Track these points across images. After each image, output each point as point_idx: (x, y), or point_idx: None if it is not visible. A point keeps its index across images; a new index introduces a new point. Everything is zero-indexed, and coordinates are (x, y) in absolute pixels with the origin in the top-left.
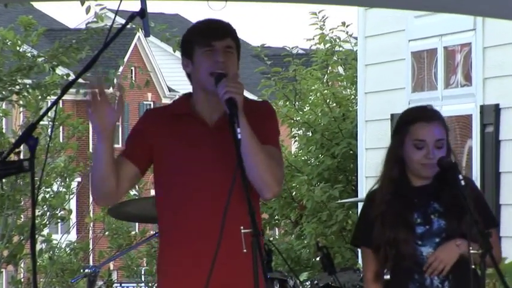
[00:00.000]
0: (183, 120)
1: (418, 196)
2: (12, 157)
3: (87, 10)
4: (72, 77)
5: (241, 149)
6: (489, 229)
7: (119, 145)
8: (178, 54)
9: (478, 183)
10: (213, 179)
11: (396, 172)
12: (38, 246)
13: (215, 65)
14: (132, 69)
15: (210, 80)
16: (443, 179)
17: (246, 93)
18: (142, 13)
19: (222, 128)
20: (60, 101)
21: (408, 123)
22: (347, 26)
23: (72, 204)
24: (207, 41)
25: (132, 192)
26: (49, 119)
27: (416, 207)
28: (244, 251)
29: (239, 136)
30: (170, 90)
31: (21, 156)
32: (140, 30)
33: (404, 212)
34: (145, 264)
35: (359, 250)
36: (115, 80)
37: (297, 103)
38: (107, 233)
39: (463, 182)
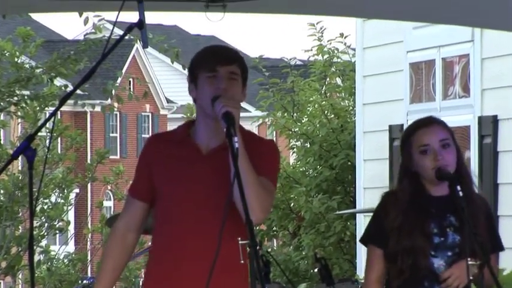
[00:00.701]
0: (177, 146)
1: (436, 206)
2: (10, 168)
3: (86, 21)
4: (70, 88)
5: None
6: (493, 252)
7: (117, 156)
8: (176, 65)
9: None
10: (208, 195)
11: (410, 184)
12: (36, 258)
13: (217, 92)
14: (130, 81)
15: (210, 104)
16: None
17: (244, 105)
18: (141, 24)
19: (216, 155)
20: (58, 112)
21: (410, 135)
22: (345, 37)
23: (70, 216)
24: (211, 66)
25: None
26: (47, 130)
27: (433, 217)
28: (242, 262)
29: (236, 145)
30: (168, 101)
31: (19, 168)
32: (138, 41)
33: (421, 221)
34: (143, 276)
35: (357, 261)
36: (113, 91)
37: (295, 114)
38: (105, 244)
39: (461, 193)
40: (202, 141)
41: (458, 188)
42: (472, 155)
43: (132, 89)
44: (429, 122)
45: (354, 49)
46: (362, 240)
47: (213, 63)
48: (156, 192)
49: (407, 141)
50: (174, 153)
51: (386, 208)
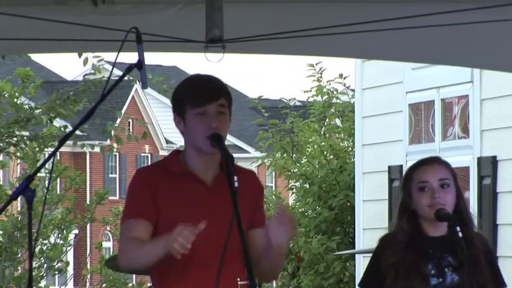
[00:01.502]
0: (181, 178)
1: (433, 247)
2: (10, 208)
3: (85, 62)
4: (69, 128)
5: (265, 259)
6: None
7: (116, 197)
8: None
9: None
10: (211, 234)
11: (408, 223)
12: None
13: (209, 131)
14: (129, 121)
15: (206, 142)
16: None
17: (244, 145)
18: (140, 65)
19: (220, 186)
20: (58, 153)
21: (412, 172)
22: (344, 78)
23: (70, 256)
24: (199, 103)
25: None
26: (46, 171)
27: (430, 258)
28: None
29: (236, 184)
30: (168, 142)
31: (19, 209)
32: (138, 82)
33: (418, 262)
34: None
35: None
36: (112, 132)
37: (294, 155)
38: (104, 285)
39: (460, 234)
40: (201, 172)
41: (458, 228)
42: (472, 196)
43: (131, 130)
44: (432, 161)
45: (353, 90)
46: (361, 285)
47: (201, 101)
48: (162, 223)
49: (408, 177)
50: (179, 185)
51: (383, 251)
